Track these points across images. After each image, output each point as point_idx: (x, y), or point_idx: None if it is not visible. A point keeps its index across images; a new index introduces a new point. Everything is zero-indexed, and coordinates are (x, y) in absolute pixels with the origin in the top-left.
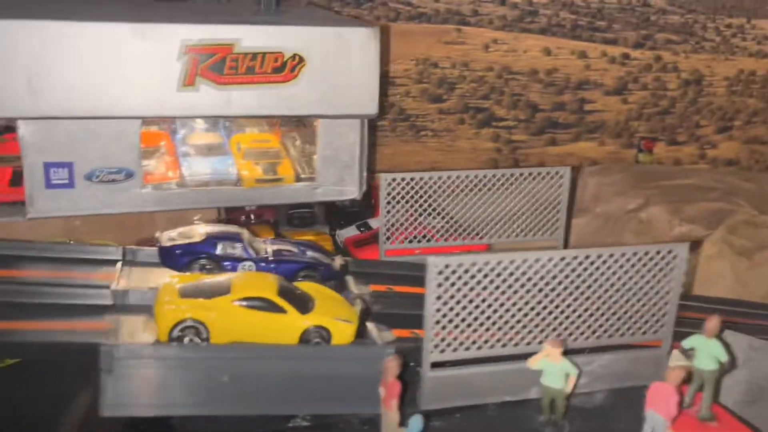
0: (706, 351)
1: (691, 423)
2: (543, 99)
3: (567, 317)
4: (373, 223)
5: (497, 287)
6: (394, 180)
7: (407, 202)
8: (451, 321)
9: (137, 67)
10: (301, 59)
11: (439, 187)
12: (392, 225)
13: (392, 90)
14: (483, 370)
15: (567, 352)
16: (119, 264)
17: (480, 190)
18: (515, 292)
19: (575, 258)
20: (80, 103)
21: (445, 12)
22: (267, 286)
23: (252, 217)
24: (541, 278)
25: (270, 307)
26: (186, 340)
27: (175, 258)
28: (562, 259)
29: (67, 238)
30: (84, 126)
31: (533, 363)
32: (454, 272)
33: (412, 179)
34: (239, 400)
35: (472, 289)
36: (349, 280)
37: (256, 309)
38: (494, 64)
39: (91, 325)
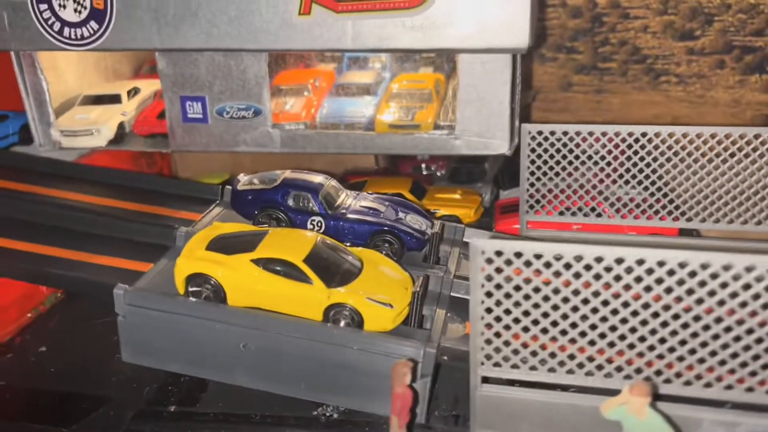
0: None
1: None
2: None
3: (693, 347)
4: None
5: (575, 291)
6: (540, 133)
7: (557, 163)
8: (507, 328)
9: None
10: None
11: (606, 147)
12: (538, 191)
13: (624, 24)
14: (557, 398)
15: (698, 401)
16: (213, 205)
17: (676, 153)
18: (603, 302)
19: (712, 264)
20: (201, 36)
21: None
22: (298, 247)
23: (423, 167)
24: (649, 289)
25: (292, 273)
26: (203, 296)
27: (245, 204)
28: (690, 263)
29: (227, 173)
30: (211, 60)
31: (607, 410)
32: (509, 262)
33: (567, 132)
34: (259, 374)
35: (537, 290)
36: (455, 254)
37: (276, 273)
38: None
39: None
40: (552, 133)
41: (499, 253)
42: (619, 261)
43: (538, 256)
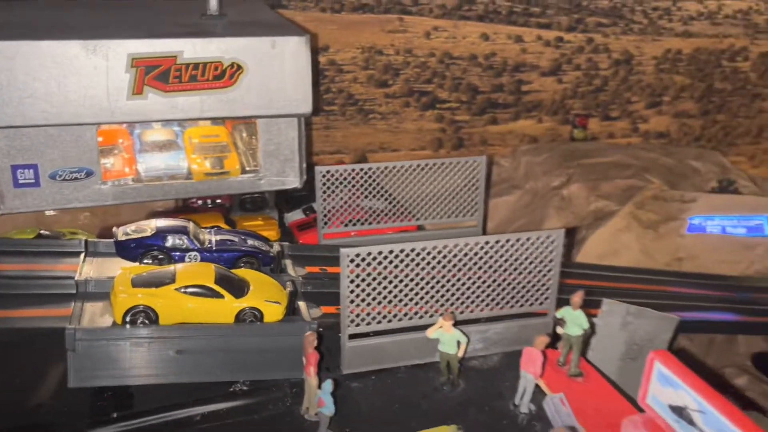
0: (573, 320)
1: (562, 379)
2: (482, 81)
3: (463, 293)
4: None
5: (402, 270)
6: (328, 172)
7: (341, 191)
8: (363, 300)
9: (90, 79)
10: (239, 66)
11: (370, 177)
12: (329, 211)
13: (341, 77)
14: (393, 339)
15: (467, 322)
16: (82, 255)
17: (407, 178)
18: (417, 274)
19: (466, 245)
20: (39, 113)
21: (387, 2)
22: (206, 274)
23: (208, 202)
24: (438, 262)
25: (209, 293)
26: (138, 322)
27: (129, 251)
28: (456, 245)
29: (37, 228)
30: (45, 132)
31: (430, 333)
32: (363, 260)
33: (345, 170)
34: (186, 370)
35: (380, 273)
36: (288, 263)
37: (197, 295)
38: (435, 50)
39: (59, 312)
40: (337, 170)
41: (358, 255)
42: (424, 249)
43: (380, 253)
